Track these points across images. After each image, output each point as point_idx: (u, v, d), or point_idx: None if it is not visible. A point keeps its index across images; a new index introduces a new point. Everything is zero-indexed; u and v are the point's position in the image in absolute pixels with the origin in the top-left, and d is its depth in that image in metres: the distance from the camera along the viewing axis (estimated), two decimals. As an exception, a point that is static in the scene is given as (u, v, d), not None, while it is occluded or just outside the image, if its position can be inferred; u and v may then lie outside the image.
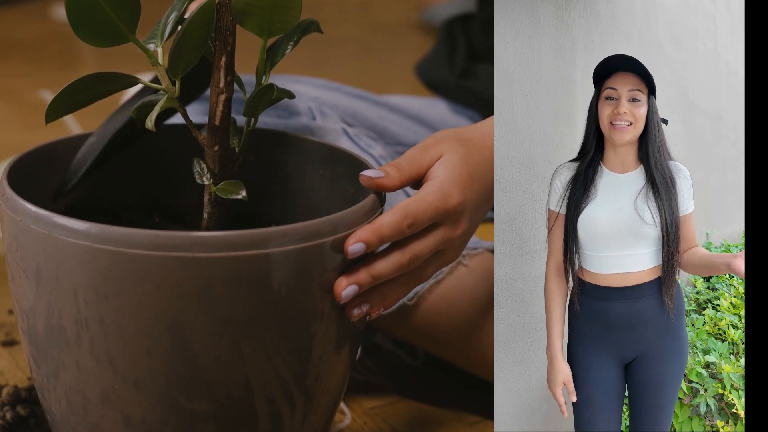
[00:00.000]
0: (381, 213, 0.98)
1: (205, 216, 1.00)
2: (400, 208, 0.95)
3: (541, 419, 1.28)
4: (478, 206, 1.01)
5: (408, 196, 1.25)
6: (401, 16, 3.36)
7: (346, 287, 0.93)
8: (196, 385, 0.91)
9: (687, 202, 1.01)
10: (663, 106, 1.49)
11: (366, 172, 0.98)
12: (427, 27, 3.18)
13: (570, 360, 1.04)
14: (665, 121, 1.01)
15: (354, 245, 0.92)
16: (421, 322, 1.23)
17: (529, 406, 1.26)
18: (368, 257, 0.95)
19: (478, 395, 1.28)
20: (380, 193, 0.99)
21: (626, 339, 1.01)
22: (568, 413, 1.03)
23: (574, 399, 1.02)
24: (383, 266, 0.94)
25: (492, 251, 1.27)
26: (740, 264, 0.93)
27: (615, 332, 1.02)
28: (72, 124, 2.10)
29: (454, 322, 1.23)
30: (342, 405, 1.26)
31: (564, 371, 1.02)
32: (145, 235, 0.86)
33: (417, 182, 1.00)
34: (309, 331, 0.93)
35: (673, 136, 1.54)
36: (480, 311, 1.23)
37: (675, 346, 1.02)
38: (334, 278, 0.93)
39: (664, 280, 0.99)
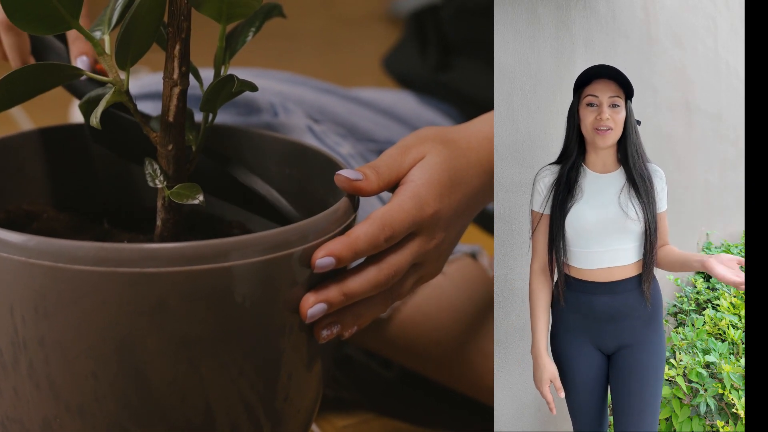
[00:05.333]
0: (354, 219, 0.89)
1: (159, 223, 0.94)
2: (377, 218, 0.86)
3: (541, 419, 1.29)
4: (456, 214, 0.93)
5: (382, 201, 1.17)
6: (366, 7, 3.32)
7: (313, 305, 0.84)
8: (150, 413, 0.85)
9: (662, 201, 1.06)
10: (663, 106, 1.54)
11: (343, 172, 0.90)
12: (394, 18, 3.12)
13: (555, 348, 1.08)
14: (638, 122, 1.07)
15: (322, 259, 0.84)
16: (395, 336, 1.16)
17: (529, 406, 1.27)
18: (341, 271, 0.86)
19: (459, 412, 1.23)
20: (354, 197, 0.91)
21: (609, 330, 1.05)
22: (559, 415, 1.05)
23: (562, 395, 1.04)
24: (358, 284, 0.86)
25: (472, 255, 1.21)
26: (714, 263, 0.99)
27: (598, 323, 1.05)
28: (21, 119, 2.01)
29: (432, 336, 1.16)
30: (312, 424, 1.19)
31: (550, 369, 1.04)
32: (89, 248, 0.80)
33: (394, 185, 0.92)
34: (277, 348, 0.87)
35: (673, 136, 1.59)
36: (460, 323, 1.16)
37: (655, 338, 1.06)
38: (305, 293, 0.85)
39: (644, 272, 1.04)
